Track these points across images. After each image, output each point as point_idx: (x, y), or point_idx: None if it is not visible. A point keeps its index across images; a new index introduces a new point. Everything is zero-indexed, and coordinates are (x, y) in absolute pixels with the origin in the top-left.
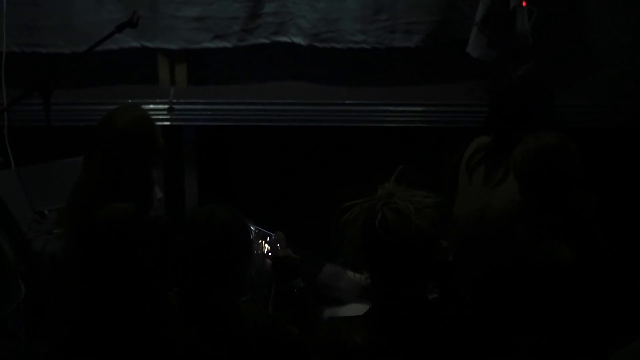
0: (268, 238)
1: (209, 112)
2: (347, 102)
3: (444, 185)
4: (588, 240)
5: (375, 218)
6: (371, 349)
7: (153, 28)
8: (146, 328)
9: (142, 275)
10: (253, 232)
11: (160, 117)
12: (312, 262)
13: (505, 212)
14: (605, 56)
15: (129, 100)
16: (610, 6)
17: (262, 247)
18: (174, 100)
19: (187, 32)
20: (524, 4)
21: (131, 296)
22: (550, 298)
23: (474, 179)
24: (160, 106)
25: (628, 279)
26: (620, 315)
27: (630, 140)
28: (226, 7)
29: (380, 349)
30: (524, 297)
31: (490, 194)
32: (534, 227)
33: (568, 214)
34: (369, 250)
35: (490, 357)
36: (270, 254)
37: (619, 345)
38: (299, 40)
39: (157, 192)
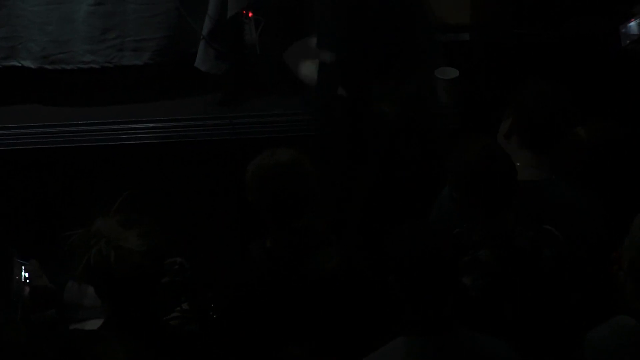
0: (23, 267)
1: None
2: (80, 122)
3: None
4: None
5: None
6: None
7: None
8: None
9: None
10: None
11: None
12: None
13: None
14: None
15: None
16: None
17: (22, 274)
18: None
19: None
20: (250, 14)
21: None
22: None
23: None
24: None
25: None
26: None
27: None
28: None
29: None
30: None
31: None
32: None
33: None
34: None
35: None
36: (28, 281)
37: None
38: (28, 63)
39: None
